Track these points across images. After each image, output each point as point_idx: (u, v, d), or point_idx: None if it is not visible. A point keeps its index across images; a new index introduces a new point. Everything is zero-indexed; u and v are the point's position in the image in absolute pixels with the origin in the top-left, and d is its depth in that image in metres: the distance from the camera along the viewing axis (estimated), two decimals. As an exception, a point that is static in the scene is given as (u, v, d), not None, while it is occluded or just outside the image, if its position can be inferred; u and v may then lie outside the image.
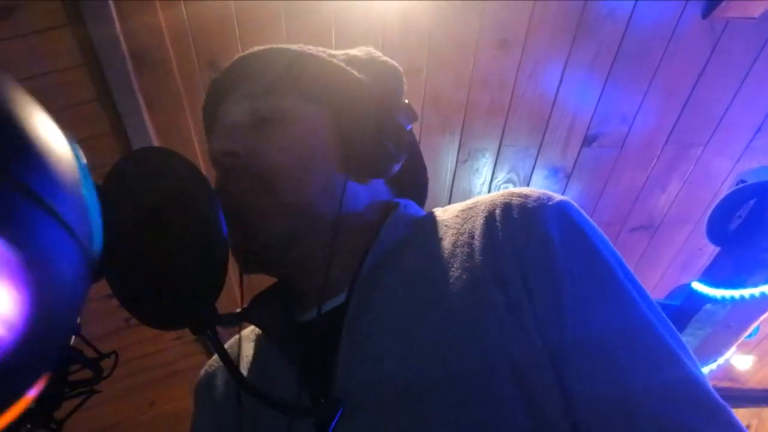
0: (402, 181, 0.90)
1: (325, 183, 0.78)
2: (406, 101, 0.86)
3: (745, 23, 2.15)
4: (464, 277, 0.69)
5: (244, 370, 0.83)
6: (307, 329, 0.79)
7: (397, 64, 0.90)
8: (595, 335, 0.64)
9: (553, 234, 0.68)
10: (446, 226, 0.78)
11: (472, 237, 0.73)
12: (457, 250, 0.73)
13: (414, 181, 0.94)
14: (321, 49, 0.88)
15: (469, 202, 0.81)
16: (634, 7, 2.11)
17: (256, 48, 0.86)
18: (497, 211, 0.74)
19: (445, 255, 0.73)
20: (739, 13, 2.08)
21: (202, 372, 0.94)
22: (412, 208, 0.87)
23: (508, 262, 0.68)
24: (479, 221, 0.75)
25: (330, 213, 0.77)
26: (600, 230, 0.73)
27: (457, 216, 0.79)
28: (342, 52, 0.90)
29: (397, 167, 0.82)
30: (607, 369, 0.63)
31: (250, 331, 0.90)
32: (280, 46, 0.86)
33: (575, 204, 0.75)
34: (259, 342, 0.86)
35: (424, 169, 0.96)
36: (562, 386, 0.63)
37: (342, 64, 0.84)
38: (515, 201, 0.74)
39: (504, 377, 0.62)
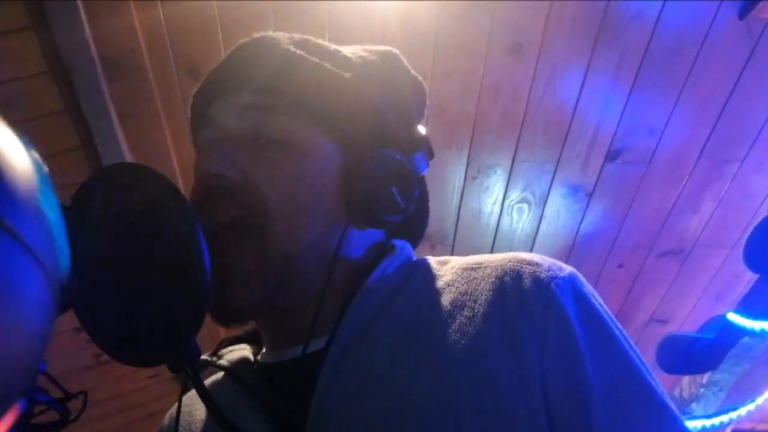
0: (399, 224, 0.87)
1: (323, 230, 0.77)
2: (425, 133, 0.84)
3: (786, 25, 2.13)
4: (464, 342, 0.68)
5: (203, 414, 0.83)
6: (277, 371, 0.79)
7: (421, 80, 0.90)
8: (613, 413, 0.67)
9: (569, 311, 0.70)
10: (444, 281, 0.78)
11: (476, 301, 0.73)
12: (457, 311, 0.72)
13: (413, 225, 0.93)
14: (338, 52, 0.84)
15: (470, 261, 0.80)
16: (663, 7, 2.08)
17: (267, 39, 0.82)
18: (507, 279, 0.74)
19: (442, 314, 0.73)
20: (780, 13, 2.06)
21: (166, 418, 0.92)
22: (407, 251, 0.86)
23: (524, 330, 0.68)
24: (486, 286, 0.74)
25: (320, 261, 0.76)
26: (602, 301, 0.77)
27: (457, 273, 0.78)
28: (355, 51, 0.86)
29: (400, 218, 0.80)
30: None
31: (216, 377, 0.90)
32: (292, 46, 0.81)
33: (581, 276, 0.78)
34: (226, 387, 0.84)
35: (428, 213, 0.95)
36: None
37: (356, 81, 0.80)
38: (526, 269, 0.74)
39: None
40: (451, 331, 0.70)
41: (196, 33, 1.97)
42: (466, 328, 0.70)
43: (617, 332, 0.73)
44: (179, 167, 2.24)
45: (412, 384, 0.66)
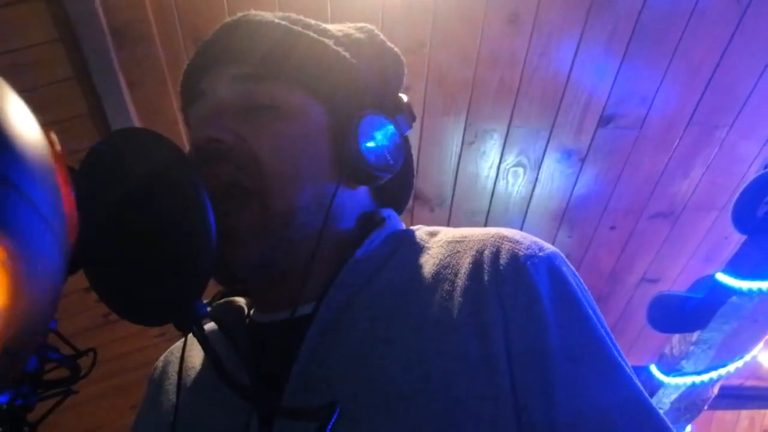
0: (386, 187, 0.90)
1: (315, 188, 0.79)
2: (406, 99, 0.87)
3: (774, -5, 2.13)
4: (441, 317, 0.70)
5: (197, 363, 0.85)
6: (265, 331, 0.81)
7: (399, 52, 0.91)
8: (584, 409, 0.67)
9: (541, 289, 0.71)
10: (429, 254, 0.80)
11: (456, 275, 0.74)
12: (438, 285, 0.74)
13: (399, 188, 0.95)
14: (319, 25, 0.87)
15: (457, 235, 0.82)
16: None
17: (252, 16, 0.85)
18: (486, 253, 0.75)
19: (424, 286, 0.74)
20: (767, -17, 2.05)
21: (160, 360, 0.95)
22: (394, 221, 0.88)
23: (492, 311, 0.69)
24: (466, 259, 0.76)
25: (314, 223, 0.78)
26: (583, 283, 0.77)
27: (442, 246, 0.80)
28: (339, 29, 0.89)
29: (389, 176, 0.83)
30: None
31: (208, 327, 0.90)
32: (276, 19, 0.84)
33: (563, 256, 0.78)
34: (214, 338, 0.83)
35: (413, 176, 0.97)
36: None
37: (341, 51, 0.84)
38: (506, 246, 0.76)
39: (467, 425, 0.64)
40: (429, 304, 0.71)
41: (202, 3, 1.96)
42: (444, 303, 0.71)
43: (587, 308, 0.73)
44: (185, 132, 2.18)
45: (387, 358, 0.67)
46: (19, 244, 0.36)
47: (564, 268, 0.76)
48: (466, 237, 0.80)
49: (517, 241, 0.76)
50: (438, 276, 0.75)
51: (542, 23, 2.19)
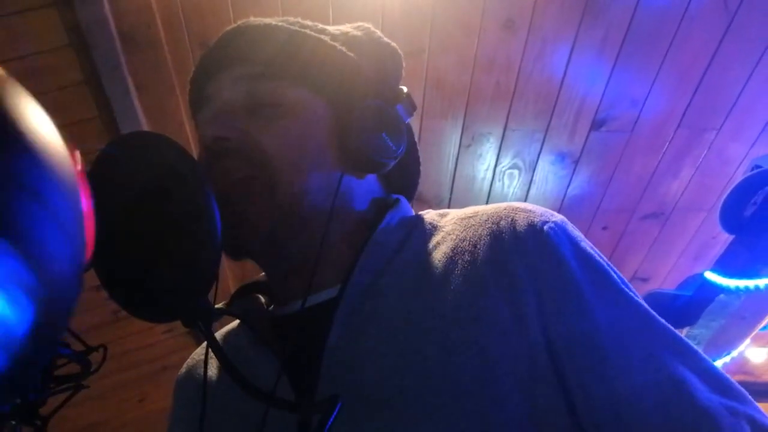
0: (393, 175, 0.90)
1: (322, 177, 0.79)
2: (406, 90, 0.87)
3: (761, 1, 2.13)
4: (465, 287, 0.71)
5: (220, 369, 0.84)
6: (289, 322, 0.81)
7: (396, 47, 0.91)
8: (618, 338, 0.68)
9: (564, 251, 0.72)
10: (445, 231, 0.80)
11: (475, 246, 0.75)
12: (458, 257, 0.74)
13: (406, 176, 0.95)
14: (317, 25, 0.88)
15: (468, 211, 0.83)
16: None
17: (251, 21, 0.85)
18: (503, 223, 0.76)
19: (445, 262, 0.75)
20: (755, -10, 2.06)
21: (184, 367, 0.94)
22: (405, 205, 0.89)
23: (521, 276, 0.70)
24: (483, 231, 0.76)
25: (323, 208, 0.77)
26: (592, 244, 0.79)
27: (456, 223, 0.81)
28: (337, 28, 0.90)
29: (393, 162, 0.83)
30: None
31: (232, 324, 0.91)
32: (275, 22, 0.85)
33: (570, 223, 0.80)
34: (240, 335, 0.86)
35: (419, 163, 0.97)
36: (567, 401, 0.68)
37: (340, 47, 0.84)
38: (521, 215, 0.77)
39: (508, 390, 0.65)
40: (453, 276, 0.72)
41: (208, 9, 1.96)
42: (467, 272, 0.71)
43: (614, 274, 0.74)
44: (192, 135, 2.23)
45: (419, 334, 0.68)
46: (36, 249, 0.36)
47: (576, 233, 0.78)
48: (477, 212, 0.81)
49: (531, 210, 0.78)
50: (456, 250, 0.75)
51: (537, 29, 2.19)
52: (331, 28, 0.89)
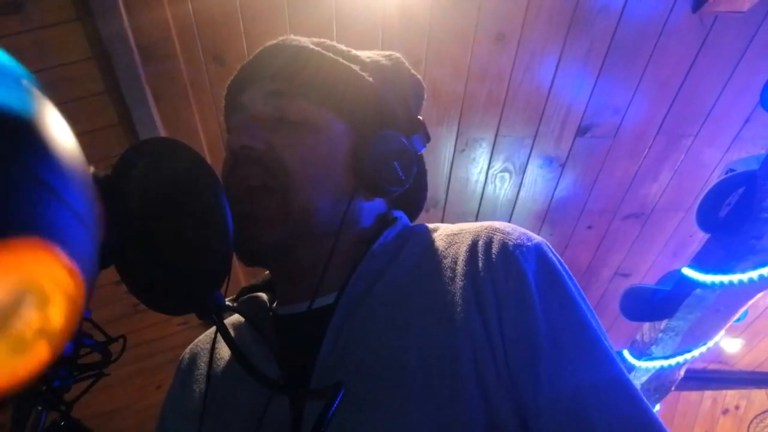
0: (399, 196, 0.89)
1: (334, 196, 0.80)
2: (422, 119, 0.87)
3: (733, 17, 2.13)
4: (446, 298, 0.71)
5: (225, 355, 0.85)
6: (288, 322, 0.81)
7: (421, 79, 0.92)
8: (567, 388, 0.66)
9: (529, 275, 0.71)
10: (432, 246, 0.81)
11: (455, 262, 0.75)
12: (441, 271, 0.75)
13: (413, 202, 0.96)
14: (350, 52, 0.88)
15: (455, 229, 0.83)
16: (627, 1, 2.10)
17: (290, 41, 0.86)
18: (480, 243, 0.76)
19: (429, 274, 0.76)
20: (728, 7, 2.07)
21: (188, 351, 0.94)
22: (404, 219, 0.89)
23: (488, 295, 0.70)
24: (463, 248, 0.77)
25: (332, 225, 0.78)
26: (569, 271, 0.76)
27: (443, 239, 0.81)
28: (368, 56, 0.90)
29: (401, 190, 0.83)
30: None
31: (235, 319, 0.91)
32: (311, 45, 0.85)
33: (550, 246, 0.78)
34: (241, 330, 0.86)
35: (425, 190, 0.97)
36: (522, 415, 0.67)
37: (368, 77, 0.84)
38: (497, 237, 0.76)
39: (471, 397, 0.65)
40: (435, 289, 0.73)
41: (221, 24, 1.98)
42: (449, 287, 0.72)
43: (573, 292, 0.73)
44: (206, 142, 2.25)
45: (401, 340, 0.69)
46: (60, 242, 0.36)
47: (551, 256, 0.76)
48: (462, 230, 0.81)
49: (507, 233, 0.77)
50: (440, 265, 0.76)
51: (526, 42, 2.20)
52: (362, 55, 0.89)
